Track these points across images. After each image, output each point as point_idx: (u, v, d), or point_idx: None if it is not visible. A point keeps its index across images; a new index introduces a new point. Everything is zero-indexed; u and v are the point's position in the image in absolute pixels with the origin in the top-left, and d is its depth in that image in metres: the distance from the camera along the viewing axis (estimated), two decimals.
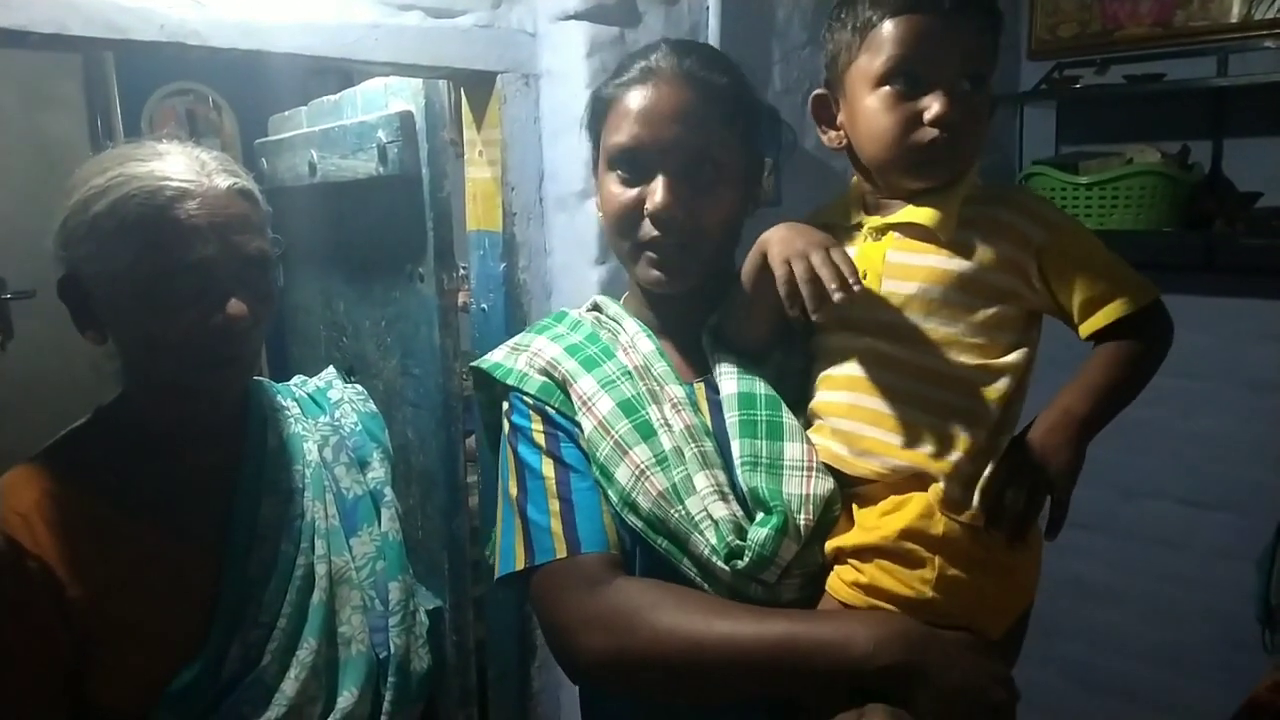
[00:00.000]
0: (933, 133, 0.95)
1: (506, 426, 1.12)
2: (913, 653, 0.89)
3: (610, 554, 1.02)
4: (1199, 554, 2.44)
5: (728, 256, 1.14)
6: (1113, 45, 2.37)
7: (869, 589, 0.95)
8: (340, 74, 2.62)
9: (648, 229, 1.06)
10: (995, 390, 0.97)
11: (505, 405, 1.13)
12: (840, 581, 0.97)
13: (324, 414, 1.24)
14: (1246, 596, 2.28)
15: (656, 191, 1.04)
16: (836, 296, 0.92)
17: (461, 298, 1.89)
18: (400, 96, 1.75)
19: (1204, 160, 2.31)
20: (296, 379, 1.30)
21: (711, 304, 1.12)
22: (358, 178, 1.87)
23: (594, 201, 1.19)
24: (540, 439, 1.08)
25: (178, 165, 1.01)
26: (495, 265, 1.72)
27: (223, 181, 1.02)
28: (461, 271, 1.90)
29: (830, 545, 0.99)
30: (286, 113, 2.32)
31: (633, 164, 1.06)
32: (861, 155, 1.03)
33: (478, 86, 1.69)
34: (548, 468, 1.07)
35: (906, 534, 0.94)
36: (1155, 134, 2.34)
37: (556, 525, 1.03)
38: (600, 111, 1.12)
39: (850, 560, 0.97)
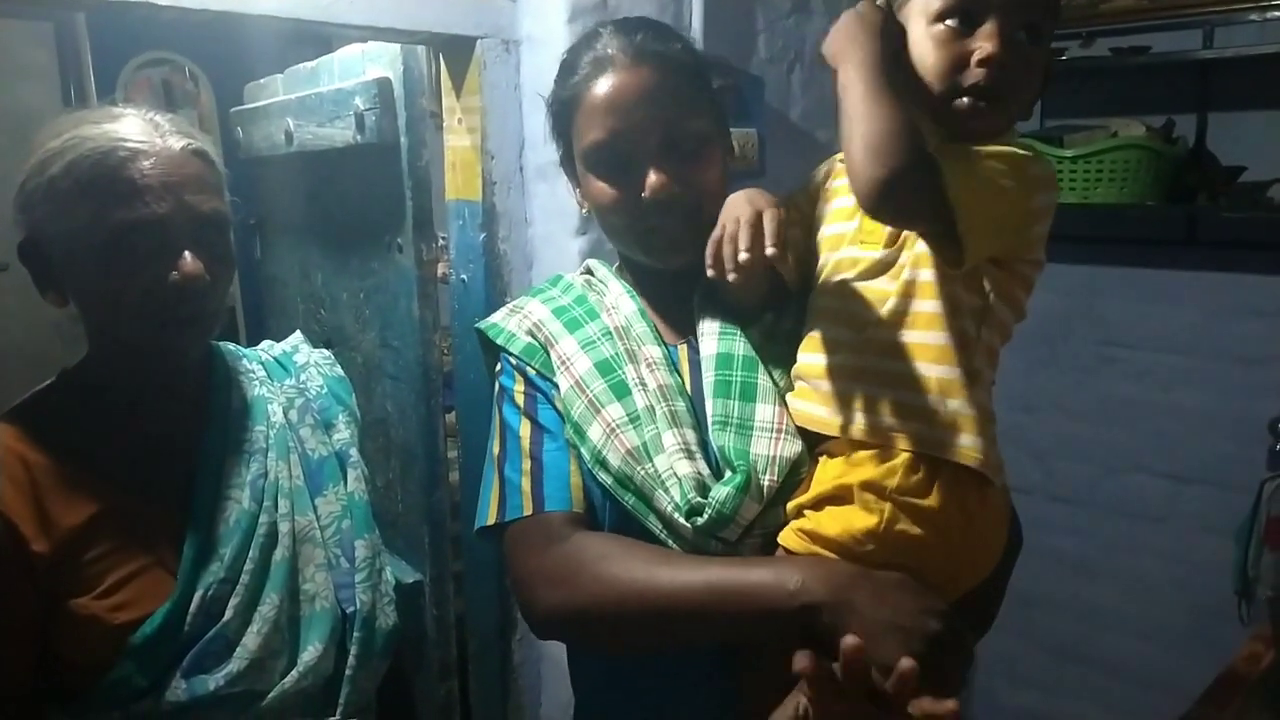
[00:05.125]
0: (979, 73, 0.93)
1: (496, 387, 1.15)
2: (840, 591, 0.90)
3: (573, 512, 1.04)
4: (1178, 527, 2.46)
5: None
6: (1098, 18, 2.36)
7: (812, 535, 0.95)
8: (318, 44, 2.57)
9: (649, 215, 1.06)
10: (970, 352, 0.96)
11: (498, 366, 1.16)
12: (789, 531, 0.99)
13: (290, 377, 1.26)
14: (1225, 569, 2.31)
15: (650, 177, 1.04)
16: (743, 257, 0.96)
17: (441, 269, 1.88)
18: (378, 63, 1.72)
19: (1188, 134, 2.31)
20: (264, 344, 1.32)
21: (698, 267, 1.11)
22: (335, 146, 1.84)
23: (574, 198, 1.17)
24: (520, 400, 1.11)
25: (132, 126, 1.02)
26: (475, 235, 1.70)
27: (177, 142, 1.04)
28: (441, 242, 1.88)
29: (793, 505, 0.99)
30: (262, 80, 2.28)
31: (616, 157, 1.06)
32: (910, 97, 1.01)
33: (457, 52, 1.66)
34: (524, 428, 1.09)
35: (864, 485, 0.94)
36: (1140, 107, 2.34)
37: (526, 484, 1.06)
38: (565, 114, 1.11)
39: (807, 511, 0.98)
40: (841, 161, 1.07)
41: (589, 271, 1.23)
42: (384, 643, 1.16)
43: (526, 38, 1.65)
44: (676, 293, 1.13)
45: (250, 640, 1.05)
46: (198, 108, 3.41)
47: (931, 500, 0.94)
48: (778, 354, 1.07)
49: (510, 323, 1.16)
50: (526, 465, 1.07)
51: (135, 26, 3.16)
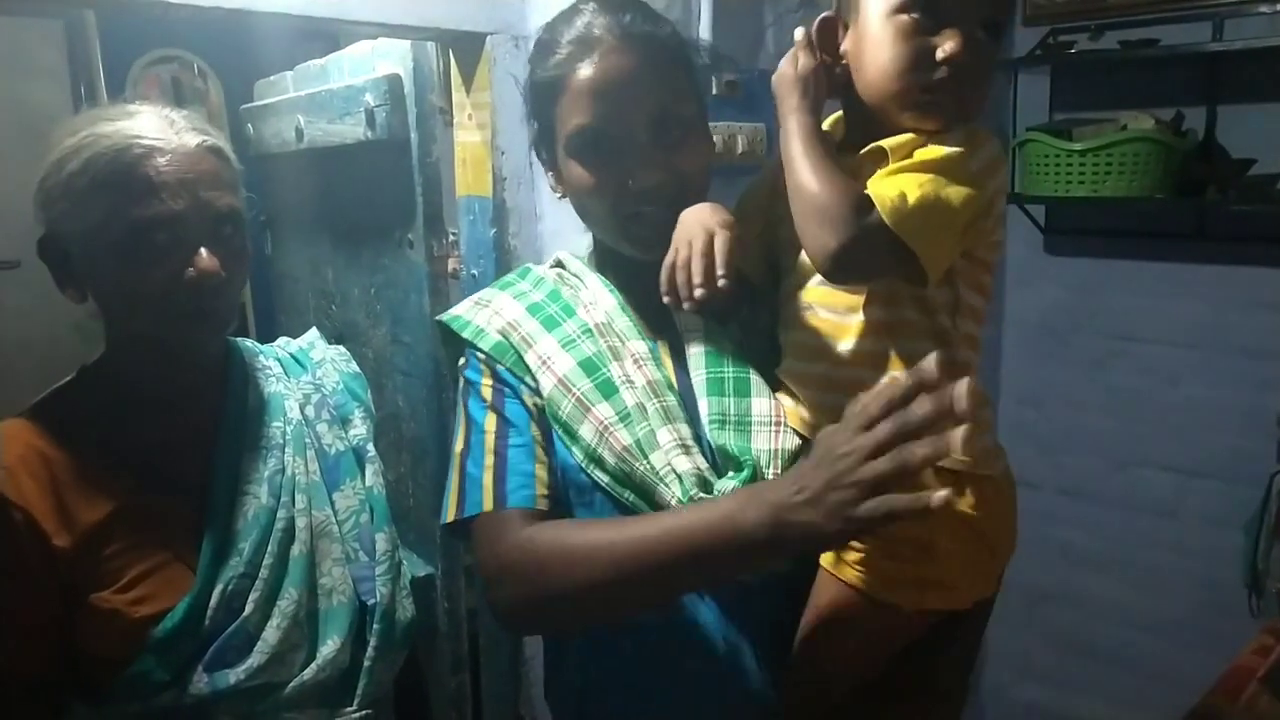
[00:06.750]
0: (942, 72, 0.90)
1: (461, 382, 1.13)
2: (780, 509, 0.84)
3: (534, 509, 1.01)
4: (1187, 521, 2.46)
5: None
6: (1107, 10, 2.35)
7: (868, 567, 0.95)
8: (328, 40, 2.58)
9: (634, 204, 1.04)
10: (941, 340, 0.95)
11: (461, 360, 1.14)
12: (845, 566, 0.96)
13: (306, 373, 1.27)
14: (1234, 562, 2.31)
15: (641, 168, 1.02)
16: (698, 293, 0.96)
17: (451, 264, 1.88)
18: (388, 59, 1.73)
19: (1198, 127, 2.30)
20: (280, 340, 1.33)
21: None
22: (345, 143, 1.85)
23: (549, 182, 1.15)
24: (488, 394, 1.08)
25: (147, 123, 1.03)
26: (485, 231, 1.71)
27: (192, 139, 1.05)
28: (451, 238, 1.88)
29: None
30: (272, 78, 2.28)
31: (603, 144, 1.03)
32: (861, 85, 0.97)
33: (466, 48, 1.66)
34: (489, 422, 1.07)
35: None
36: (1149, 100, 2.33)
37: (488, 479, 1.03)
38: (548, 96, 1.06)
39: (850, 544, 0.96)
40: None
41: (559, 264, 1.19)
42: (403, 634, 1.17)
43: (535, 33, 1.65)
44: (652, 285, 1.10)
45: (270, 634, 1.06)
46: (207, 105, 3.42)
47: (959, 512, 0.93)
48: (760, 346, 1.07)
49: (478, 317, 1.12)
50: (489, 460, 1.04)
51: (144, 24, 3.18)
